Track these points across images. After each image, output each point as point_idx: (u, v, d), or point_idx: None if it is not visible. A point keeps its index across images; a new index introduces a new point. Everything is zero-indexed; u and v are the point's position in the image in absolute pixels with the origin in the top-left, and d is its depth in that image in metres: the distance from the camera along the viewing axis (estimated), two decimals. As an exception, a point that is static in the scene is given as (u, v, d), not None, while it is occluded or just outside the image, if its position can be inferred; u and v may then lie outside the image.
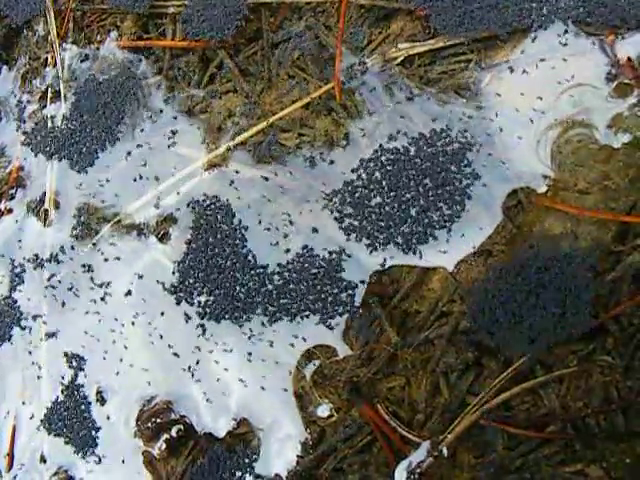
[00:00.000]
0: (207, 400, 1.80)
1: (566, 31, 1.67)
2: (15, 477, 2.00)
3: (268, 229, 1.82)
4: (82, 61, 2.23)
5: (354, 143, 1.79)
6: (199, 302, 1.83)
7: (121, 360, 1.91)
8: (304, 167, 1.83)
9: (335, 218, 1.75)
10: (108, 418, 1.90)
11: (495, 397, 1.52)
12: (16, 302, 2.10)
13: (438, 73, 1.77)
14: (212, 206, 1.88)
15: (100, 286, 1.98)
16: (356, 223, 1.72)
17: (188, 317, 1.84)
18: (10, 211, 2.21)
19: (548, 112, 1.64)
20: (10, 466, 2.02)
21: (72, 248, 2.05)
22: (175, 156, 1.99)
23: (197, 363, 1.82)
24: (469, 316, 1.56)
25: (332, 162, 1.80)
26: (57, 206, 2.12)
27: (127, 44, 2.16)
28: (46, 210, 2.12)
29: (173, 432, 1.80)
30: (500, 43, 1.72)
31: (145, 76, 2.11)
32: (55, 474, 1.94)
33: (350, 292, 1.70)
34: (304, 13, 1.96)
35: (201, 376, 1.82)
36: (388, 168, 1.72)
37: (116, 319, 1.94)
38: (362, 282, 1.70)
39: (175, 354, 1.85)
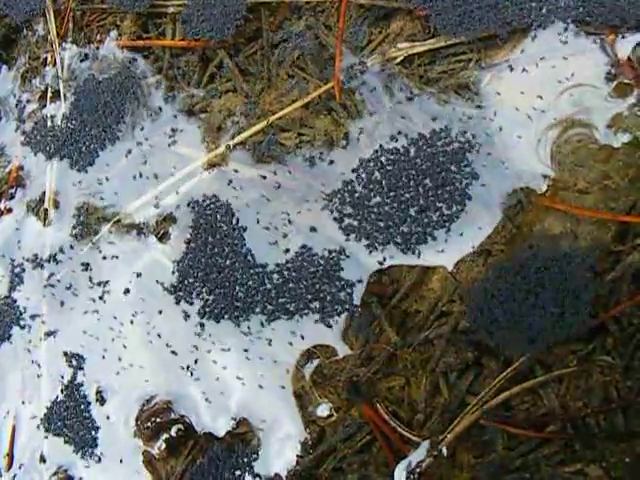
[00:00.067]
0: (206, 400, 1.80)
1: (566, 29, 1.67)
2: (15, 477, 2.00)
3: (267, 228, 1.82)
4: (82, 60, 2.23)
5: (354, 143, 1.79)
6: (198, 302, 1.83)
7: (120, 359, 1.91)
8: (304, 167, 1.83)
9: (334, 218, 1.75)
10: (108, 418, 1.90)
11: (495, 397, 1.52)
12: (15, 302, 2.10)
13: (438, 73, 1.77)
14: (212, 206, 1.88)
15: (99, 285, 1.98)
16: (355, 223, 1.72)
17: (187, 315, 1.84)
18: (10, 211, 2.21)
19: (548, 111, 1.64)
20: (10, 466, 2.02)
21: (71, 247, 2.05)
22: (175, 155, 1.99)
23: (196, 362, 1.82)
24: (468, 316, 1.56)
25: (332, 162, 1.80)
26: (57, 206, 2.12)
27: (127, 43, 2.16)
28: (46, 210, 2.12)
29: (173, 432, 1.80)
30: (500, 43, 1.72)
31: (145, 75, 2.11)
32: (55, 474, 1.94)
33: (348, 291, 1.70)
34: (304, 13, 1.96)
35: (200, 376, 1.82)
36: (388, 168, 1.72)
37: (115, 317, 1.94)
38: (360, 281, 1.70)
39: (174, 353, 1.85)
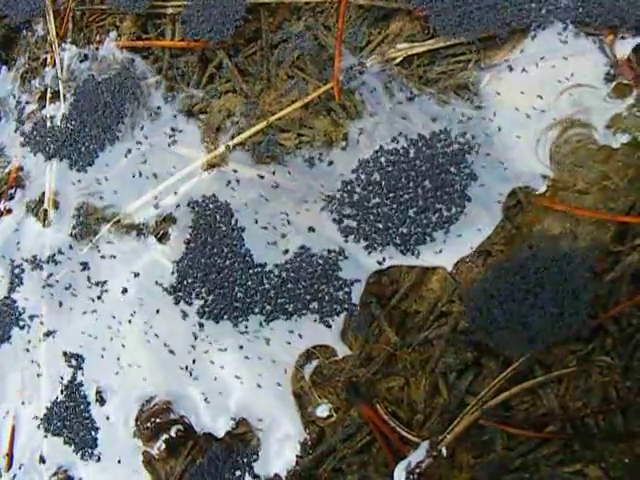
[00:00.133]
0: (205, 400, 1.80)
1: (565, 29, 1.67)
2: (14, 477, 2.00)
3: (266, 229, 1.82)
4: (81, 61, 2.23)
5: (353, 143, 1.79)
6: (198, 302, 1.83)
7: (119, 359, 1.91)
8: (303, 167, 1.83)
9: (334, 219, 1.75)
10: (107, 418, 1.90)
11: (494, 397, 1.52)
12: (15, 302, 2.10)
13: (437, 73, 1.77)
14: (211, 206, 1.88)
15: (98, 285, 1.98)
16: (354, 224, 1.72)
17: (185, 315, 1.84)
18: (9, 211, 2.21)
19: (548, 111, 1.64)
20: (9, 466, 2.02)
21: (71, 248, 2.05)
22: (174, 156, 1.99)
23: (194, 362, 1.82)
24: (467, 316, 1.56)
25: (331, 163, 1.80)
26: (56, 206, 2.12)
27: (126, 44, 2.16)
28: (45, 210, 2.12)
29: (172, 432, 1.81)
30: (499, 43, 1.72)
31: (144, 76, 2.11)
32: (54, 474, 1.94)
33: (347, 290, 1.70)
34: (303, 13, 1.96)
35: (199, 376, 1.82)
36: (387, 169, 1.72)
37: (114, 317, 1.94)
38: (359, 281, 1.70)
39: (172, 353, 1.85)
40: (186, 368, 1.83)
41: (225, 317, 1.80)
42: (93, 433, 1.91)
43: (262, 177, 1.86)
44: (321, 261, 1.73)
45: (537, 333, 1.47)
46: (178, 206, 1.93)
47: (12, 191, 2.23)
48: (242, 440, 1.76)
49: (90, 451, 1.90)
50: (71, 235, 2.05)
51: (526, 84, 1.68)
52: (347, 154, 1.79)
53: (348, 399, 1.66)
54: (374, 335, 1.67)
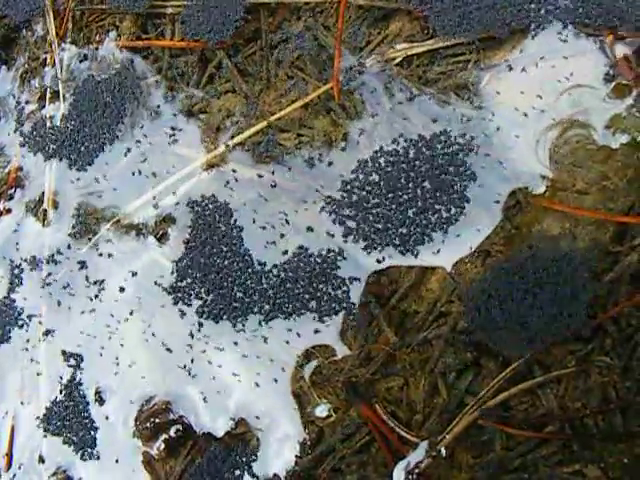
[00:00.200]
0: (204, 400, 1.80)
1: (565, 28, 1.67)
2: (14, 477, 2.00)
3: (264, 228, 1.82)
4: (81, 61, 2.23)
5: (353, 144, 1.79)
6: (197, 302, 1.83)
7: (117, 359, 1.91)
8: (303, 167, 1.83)
9: (333, 219, 1.75)
10: (107, 418, 1.90)
11: (493, 397, 1.52)
12: (14, 302, 2.10)
13: (437, 73, 1.77)
14: (210, 206, 1.88)
15: (96, 284, 1.98)
16: (354, 224, 1.72)
17: (183, 313, 1.84)
18: (9, 211, 2.21)
19: (547, 111, 1.64)
20: (9, 466, 2.02)
21: (70, 248, 2.05)
22: (174, 156, 1.99)
23: (192, 362, 1.82)
24: (466, 316, 1.56)
25: (331, 163, 1.80)
26: (56, 206, 2.12)
27: (126, 44, 2.16)
28: (45, 210, 2.12)
29: (172, 432, 1.80)
30: (499, 43, 1.72)
31: (144, 76, 2.11)
32: (54, 474, 1.94)
33: (345, 289, 1.70)
34: (303, 13, 1.96)
35: (198, 376, 1.82)
36: (387, 170, 1.72)
37: (112, 315, 1.94)
38: (357, 280, 1.70)
39: (171, 352, 1.85)
40: (185, 367, 1.83)
41: (225, 317, 1.80)
42: (92, 433, 1.91)
43: (261, 177, 1.86)
44: (319, 260, 1.73)
45: (536, 333, 1.47)
46: (177, 206, 1.93)
47: (12, 191, 2.23)
48: (241, 440, 1.76)
49: (89, 451, 1.90)
50: (70, 235, 2.05)
51: (526, 84, 1.68)
52: (347, 154, 1.79)
53: (347, 399, 1.66)
54: (373, 335, 1.67)
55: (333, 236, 1.74)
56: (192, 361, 1.82)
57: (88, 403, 1.93)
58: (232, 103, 1.96)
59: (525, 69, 1.69)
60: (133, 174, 2.01)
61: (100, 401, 1.91)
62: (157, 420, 1.82)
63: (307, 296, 1.72)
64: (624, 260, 1.50)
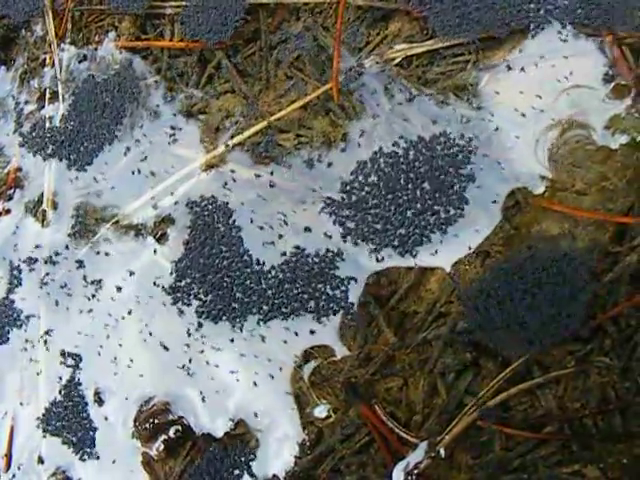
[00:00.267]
0: (203, 400, 1.80)
1: (564, 28, 1.67)
2: (13, 477, 2.00)
3: (264, 229, 1.82)
4: (80, 61, 2.23)
5: (352, 144, 1.79)
6: (196, 303, 1.83)
7: (115, 358, 1.91)
8: (302, 168, 1.83)
9: (332, 220, 1.75)
10: (106, 419, 1.90)
11: (493, 398, 1.52)
12: (13, 303, 2.10)
13: (436, 74, 1.77)
14: (209, 206, 1.88)
15: (93, 283, 1.98)
16: (353, 225, 1.72)
17: (181, 312, 1.84)
18: (8, 212, 2.21)
19: (547, 111, 1.64)
20: (8, 466, 2.02)
21: (69, 248, 2.05)
22: (173, 156, 1.99)
23: (190, 362, 1.82)
24: (466, 317, 1.56)
25: (330, 164, 1.80)
26: (55, 206, 2.12)
27: (125, 44, 2.16)
28: (44, 210, 2.12)
29: (171, 433, 1.80)
30: (498, 43, 1.72)
31: (143, 76, 2.11)
32: (53, 475, 1.94)
33: (343, 289, 1.70)
34: (302, 14, 1.96)
35: (197, 375, 1.81)
36: (386, 171, 1.71)
37: (110, 315, 1.94)
38: (356, 280, 1.70)
39: (169, 351, 1.85)
40: (183, 367, 1.82)
41: (224, 318, 1.80)
42: (91, 433, 1.91)
43: (260, 177, 1.86)
44: (317, 260, 1.73)
45: (535, 334, 1.47)
46: (176, 206, 1.93)
47: (11, 191, 2.23)
48: (241, 440, 1.76)
49: (89, 451, 1.90)
50: (70, 235, 2.05)
51: (525, 84, 1.68)
52: (346, 155, 1.79)
53: (347, 400, 1.66)
54: (373, 336, 1.67)
55: (331, 237, 1.74)
56: (190, 361, 1.82)
57: (87, 403, 1.93)
58: (231, 103, 1.96)
59: (524, 69, 1.69)
60: (132, 173, 2.01)
61: (99, 402, 1.91)
62: (156, 421, 1.82)
63: (305, 296, 1.72)
64: (623, 260, 1.50)
